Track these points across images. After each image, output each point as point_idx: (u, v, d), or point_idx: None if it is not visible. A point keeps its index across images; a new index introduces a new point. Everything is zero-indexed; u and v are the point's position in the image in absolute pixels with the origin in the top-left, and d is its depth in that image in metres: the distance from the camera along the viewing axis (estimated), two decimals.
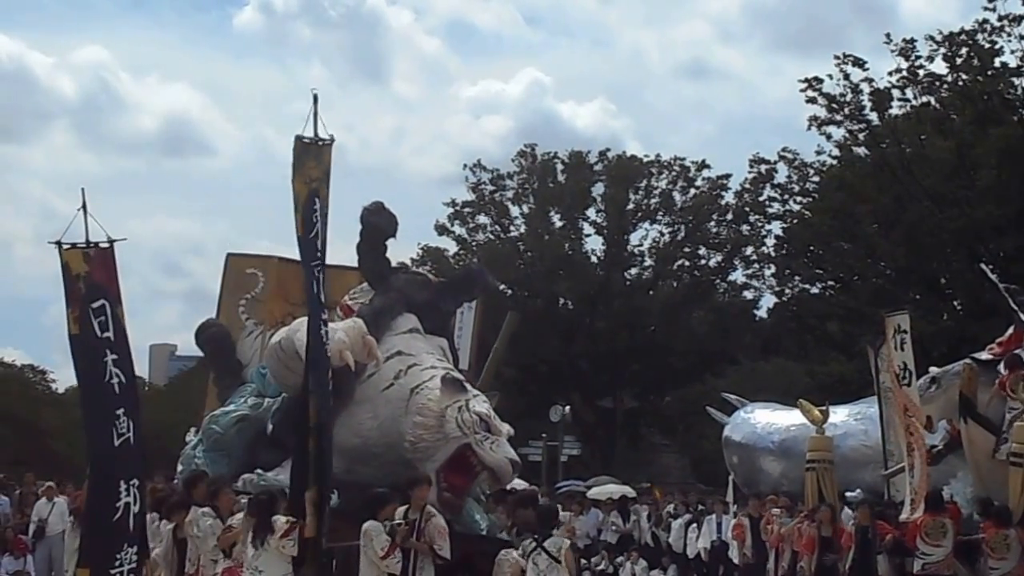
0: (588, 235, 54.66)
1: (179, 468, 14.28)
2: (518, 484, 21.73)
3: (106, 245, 12.50)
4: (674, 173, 53.98)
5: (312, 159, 11.74)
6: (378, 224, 14.27)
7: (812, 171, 46.23)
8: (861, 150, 43.68)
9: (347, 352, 12.70)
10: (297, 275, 17.09)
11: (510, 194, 55.23)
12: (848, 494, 19.40)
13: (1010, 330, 17.20)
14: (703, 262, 54.81)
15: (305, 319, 13.53)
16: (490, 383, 21.37)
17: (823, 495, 17.50)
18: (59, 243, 12.51)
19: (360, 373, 13.21)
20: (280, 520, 11.37)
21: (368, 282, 14.67)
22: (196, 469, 13.22)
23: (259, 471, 13.20)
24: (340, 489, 12.90)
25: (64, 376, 56.67)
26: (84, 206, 12.44)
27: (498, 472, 12.92)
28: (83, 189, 12.42)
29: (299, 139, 11.85)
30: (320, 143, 11.81)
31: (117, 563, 11.78)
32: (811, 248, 46.41)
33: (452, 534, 12.50)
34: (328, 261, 12.46)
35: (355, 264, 15.16)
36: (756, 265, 53.09)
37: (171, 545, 12.76)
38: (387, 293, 14.24)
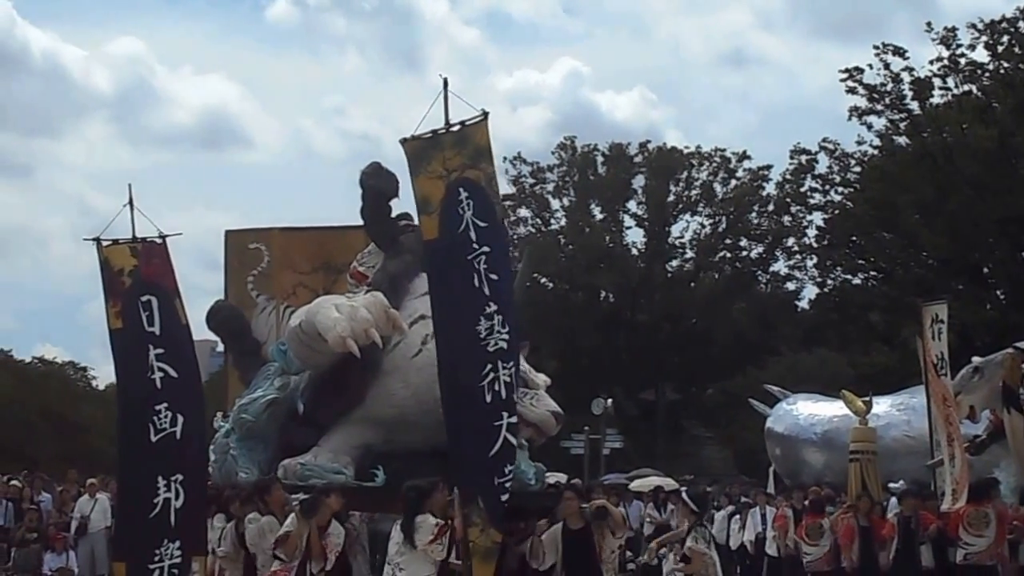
0: (629, 227, 54.77)
1: (212, 458, 13.73)
2: (558, 476, 21.71)
3: (158, 240, 12.49)
4: (715, 164, 53.88)
5: (447, 149, 11.05)
6: (377, 186, 13.69)
7: (853, 161, 46.11)
8: (902, 140, 43.54)
9: (372, 329, 12.31)
10: (301, 243, 16.99)
11: (550, 187, 55.28)
12: (891, 485, 19.37)
13: None
14: (744, 253, 54.71)
15: (323, 297, 13.46)
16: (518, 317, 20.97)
17: (866, 486, 17.48)
18: (97, 239, 12.51)
19: (386, 343, 12.78)
20: (429, 521, 11.07)
21: (377, 246, 14.17)
22: (267, 477, 12.74)
23: (300, 460, 12.85)
24: (382, 461, 12.84)
25: (104, 373, 56.95)
26: (131, 201, 12.46)
27: (542, 426, 12.64)
28: (130, 185, 12.41)
29: (413, 139, 11.25)
30: (462, 125, 11.08)
31: (156, 558, 11.68)
32: (853, 238, 46.27)
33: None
34: None
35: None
36: (798, 256, 53.02)
37: (236, 544, 12.46)
38: (400, 255, 13.74)
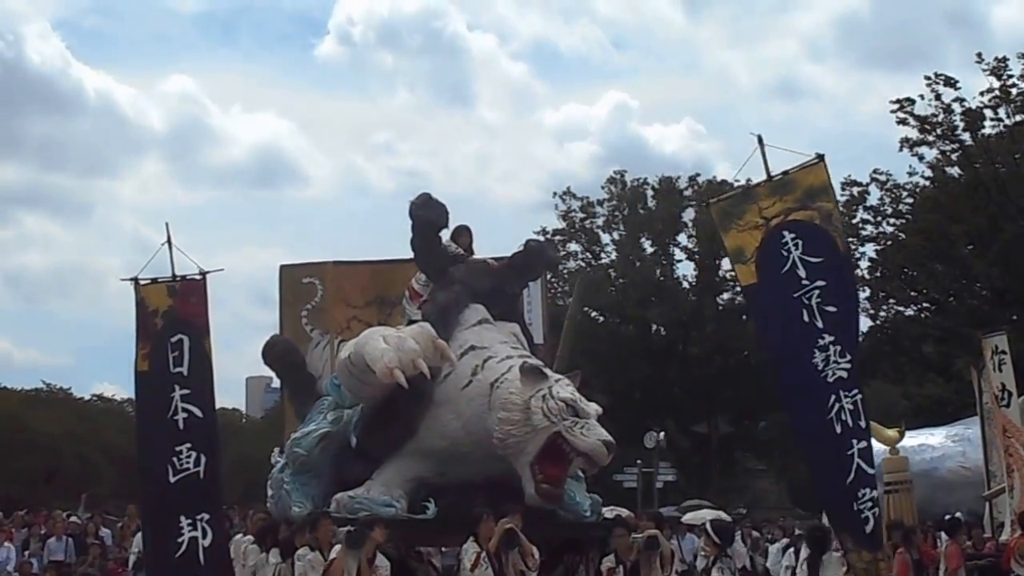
0: (679, 260, 54.73)
1: (269, 492, 13.94)
2: (616, 511, 21.73)
3: (197, 277, 12.56)
4: None
5: (762, 200, 11.62)
6: (427, 216, 13.72)
7: (905, 192, 45.92)
8: (954, 170, 43.38)
9: (419, 360, 12.38)
10: (354, 277, 17.10)
11: (600, 221, 55.36)
12: (948, 517, 19.30)
13: None
14: None
15: (371, 329, 13.55)
16: (570, 347, 20.95)
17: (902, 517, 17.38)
18: (135, 279, 12.61)
19: (436, 374, 12.82)
20: (472, 548, 11.40)
21: (427, 276, 14.19)
22: (317, 511, 12.76)
23: (351, 493, 12.88)
24: (436, 494, 12.89)
25: None
26: (169, 240, 12.52)
27: (593, 456, 12.38)
28: (167, 224, 12.57)
29: (719, 200, 12.14)
30: (784, 174, 11.66)
31: None
32: (905, 270, 46.05)
33: (557, 521, 12.56)
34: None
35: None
36: None
37: None
38: (450, 286, 13.79)
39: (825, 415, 11.07)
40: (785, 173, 11.63)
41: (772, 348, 12.00)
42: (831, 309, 11.24)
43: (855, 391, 11.17)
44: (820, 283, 11.26)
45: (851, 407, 11.07)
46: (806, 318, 11.23)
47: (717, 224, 12.07)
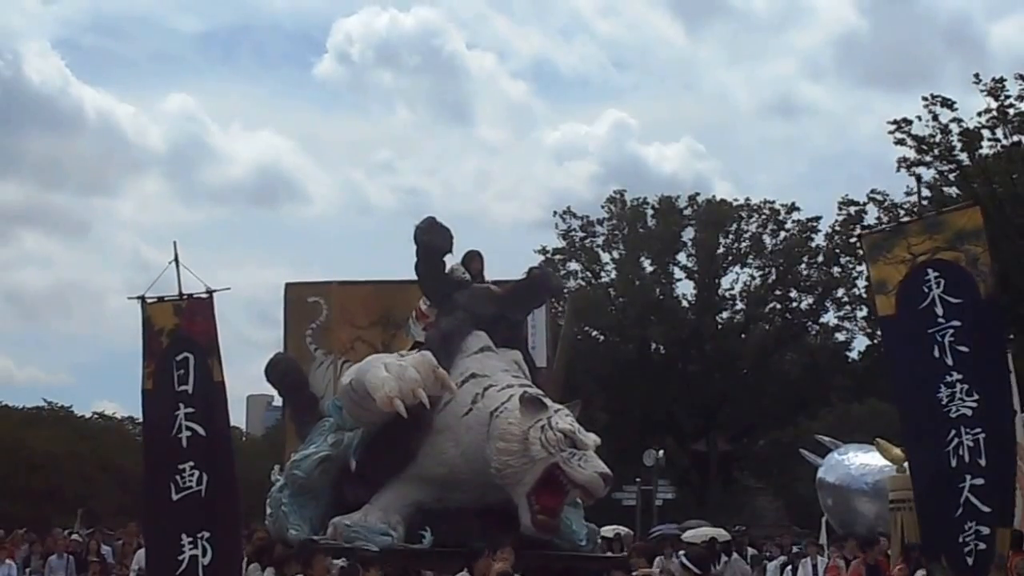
0: (679, 280, 54.97)
1: (268, 511, 13.89)
2: (617, 529, 21.76)
3: (204, 296, 12.57)
4: (764, 216, 54.05)
5: (912, 236, 12.08)
6: (432, 242, 13.77)
7: (902, 212, 46.09)
8: (952, 190, 43.51)
9: (420, 390, 12.43)
10: (359, 298, 17.11)
11: (600, 240, 55.59)
12: None
13: None
14: (794, 305, 54.72)
15: (373, 356, 13.59)
16: (565, 368, 20.96)
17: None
18: (142, 298, 12.62)
19: (437, 402, 12.85)
20: None
21: (431, 301, 14.25)
22: (311, 543, 12.62)
23: (347, 521, 12.89)
24: (432, 519, 12.94)
25: None
26: (176, 259, 12.50)
27: (590, 488, 12.42)
28: (175, 242, 12.59)
29: (872, 232, 13.08)
30: (938, 212, 12.44)
31: None
32: None
33: (553, 551, 12.61)
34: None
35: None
36: (848, 307, 52.98)
37: None
38: (453, 312, 13.79)
39: (943, 448, 11.51)
40: (939, 213, 12.32)
41: (899, 380, 12.47)
42: (963, 349, 11.64)
43: (978, 429, 11.54)
44: (956, 323, 11.67)
45: (971, 443, 11.46)
46: (936, 354, 11.67)
47: (865, 255, 12.77)
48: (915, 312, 11.85)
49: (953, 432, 11.51)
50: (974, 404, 11.53)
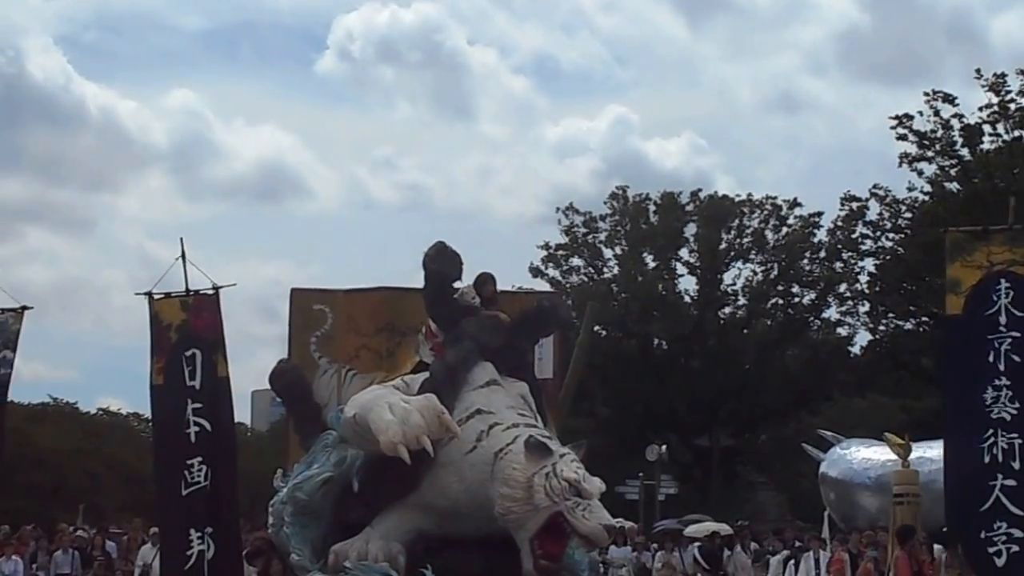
0: (681, 275, 54.96)
1: (270, 520, 13.64)
2: (620, 522, 21.82)
3: (210, 292, 12.65)
4: (766, 212, 54.06)
5: (994, 244, 12.71)
6: (440, 270, 13.58)
7: (904, 207, 46.21)
8: (953, 185, 43.64)
9: (423, 437, 12.24)
10: (365, 305, 17.02)
11: (603, 236, 55.60)
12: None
13: None
14: (796, 300, 54.73)
15: (378, 392, 13.23)
16: (578, 375, 20.85)
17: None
18: (149, 294, 12.70)
19: (440, 438, 12.62)
20: None
21: (438, 327, 13.98)
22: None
23: (348, 563, 12.58)
24: (433, 548, 12.84)
25: None
26: (183, 255, 12.60)
27: (593, 539, 12.18)
28: (182, 239, 12.72)
29: (958, 231, 13.39)
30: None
31: None
32: (904, 284, 46.29)
33: None
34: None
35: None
36: (850, 302, 52.97)
37: None
38: (459, 342, 13.55)
39: (978, 444, 12.15)
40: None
41: (950, 378, 13.12)
42: (1016, 359, 12.37)
43: (1015, 435, 12.19)
44: (1015, 334, 12.38)
45: (1006, 446, 12.12)
46: (991, 358, 12.37)
47: (947, 251, 13.15)
48: (980, 317, 12.47)
49: (991, 431, 12.13)
50: (1015, 411, 12.18)
